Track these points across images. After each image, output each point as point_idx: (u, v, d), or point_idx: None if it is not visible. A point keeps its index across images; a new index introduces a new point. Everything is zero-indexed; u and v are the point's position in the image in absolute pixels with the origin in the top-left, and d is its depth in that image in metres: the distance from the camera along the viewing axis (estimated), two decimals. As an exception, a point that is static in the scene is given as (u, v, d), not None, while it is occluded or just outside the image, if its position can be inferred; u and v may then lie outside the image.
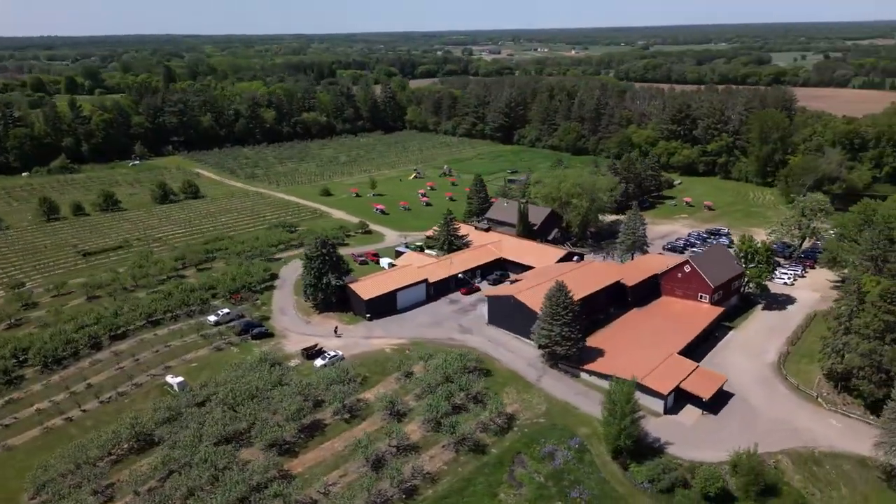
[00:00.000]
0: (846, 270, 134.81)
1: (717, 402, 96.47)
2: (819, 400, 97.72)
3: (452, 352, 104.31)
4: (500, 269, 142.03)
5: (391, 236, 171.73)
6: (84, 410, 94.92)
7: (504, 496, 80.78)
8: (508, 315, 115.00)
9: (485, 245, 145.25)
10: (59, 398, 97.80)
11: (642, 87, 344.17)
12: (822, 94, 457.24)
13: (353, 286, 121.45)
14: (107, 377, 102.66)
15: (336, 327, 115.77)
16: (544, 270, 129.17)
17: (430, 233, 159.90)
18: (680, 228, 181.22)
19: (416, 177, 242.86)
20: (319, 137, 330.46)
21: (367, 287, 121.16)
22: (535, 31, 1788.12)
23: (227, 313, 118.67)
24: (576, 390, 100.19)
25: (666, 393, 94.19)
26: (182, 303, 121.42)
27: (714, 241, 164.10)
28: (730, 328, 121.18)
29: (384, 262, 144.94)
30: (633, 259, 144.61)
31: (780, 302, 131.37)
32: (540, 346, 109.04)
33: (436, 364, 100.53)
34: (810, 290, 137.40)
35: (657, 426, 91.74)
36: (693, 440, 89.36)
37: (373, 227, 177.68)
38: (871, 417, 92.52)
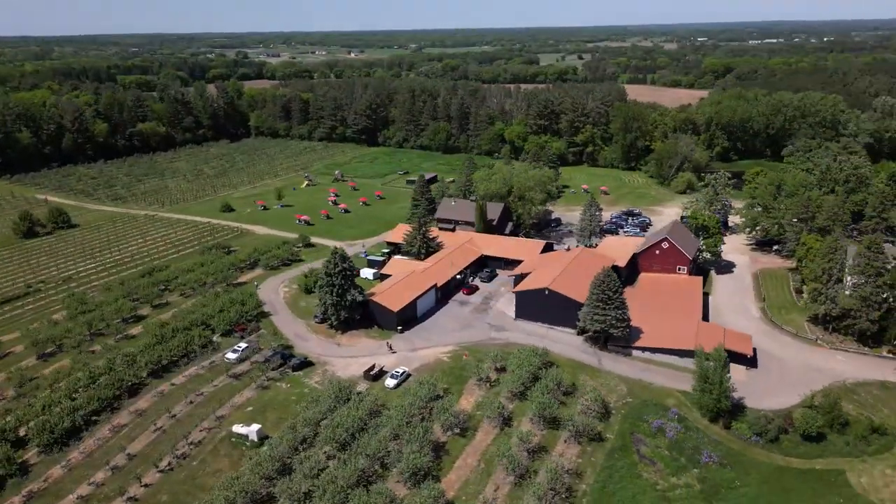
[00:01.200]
0: (762, 234, 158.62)
1: (752, 357, 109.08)
2: (819, 342, 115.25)
3: (524, 350, 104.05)
4: (482, 266, 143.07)
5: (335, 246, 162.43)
6: (147, 485, 78.73)
7: (647, 475, 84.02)
8: (541, 307, 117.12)
9: (462, 245, 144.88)
10: (100, 477, 79.97)
11: (492, 87, 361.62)
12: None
13: (376, 299, 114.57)
14: (148, 442, 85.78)
15: (389, 343, 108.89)
16: (543, 261, 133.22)
17: (391, 238, 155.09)
18: (602, 212, 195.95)
19: (308, 184, 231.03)
20: (161, 150, 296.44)
21: (392, 298, 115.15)
22: (299, 34, 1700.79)
23: (246, 348, 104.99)
24: (638, 367, 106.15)
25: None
26: (185, 344, 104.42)
27: (635, 221, 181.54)
28: (706, 293, 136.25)
29: (366, 272, 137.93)
30: (593, 244, 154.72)
31: (724, 267, 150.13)
32: (582, 332, 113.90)
33: (517, 363, 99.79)
34: (738, 253, 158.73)
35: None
36: (755, 392, 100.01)
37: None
38: (866, 349, 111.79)
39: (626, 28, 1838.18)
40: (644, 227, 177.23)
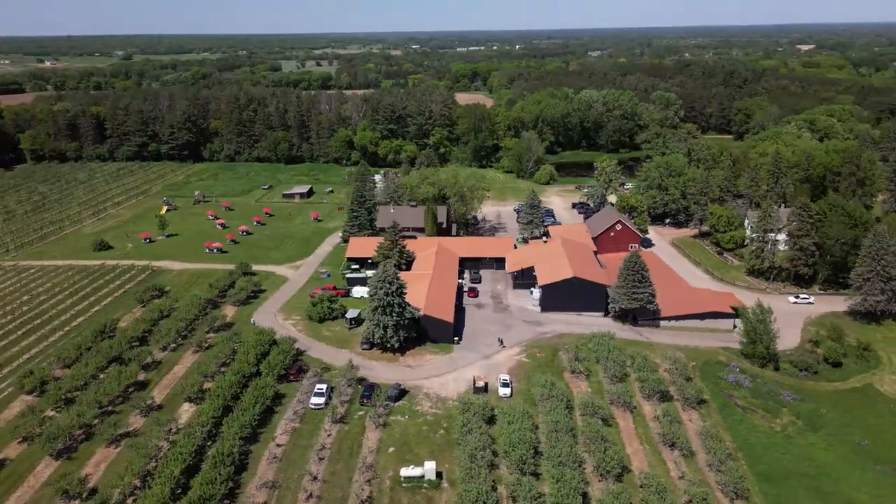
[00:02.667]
0: (660, 209, 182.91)
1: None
2: (768, 290, 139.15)
3: (599, 336, 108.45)
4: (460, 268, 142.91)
5: (281, 271, 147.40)
6: (355, 560, 67.22)
7: (759, 423, 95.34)
8: (567, 296, 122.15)
9: (439, 250, 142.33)
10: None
11: (322, 94, 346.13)
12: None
13: (428, 313, 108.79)
14: (316, 512, 72.40)
15: (500, 339, 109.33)
16: (535, 255, 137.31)
17: (350, 253, 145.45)
18: (499, 207, 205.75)
19: (168, 209, 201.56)
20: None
21: (441, 310, 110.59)
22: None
23: (326, 388, 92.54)
24: (675, 335, 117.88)
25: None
26: (261, 401, 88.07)
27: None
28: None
29: (360, 291, 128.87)
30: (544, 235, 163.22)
31: (645, 241, 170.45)
32: (609, 312, 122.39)
33: (605, 350, 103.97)
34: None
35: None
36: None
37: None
38: (804, 291, 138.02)
39: (342, 35, 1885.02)
40: (553, 215, 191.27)
